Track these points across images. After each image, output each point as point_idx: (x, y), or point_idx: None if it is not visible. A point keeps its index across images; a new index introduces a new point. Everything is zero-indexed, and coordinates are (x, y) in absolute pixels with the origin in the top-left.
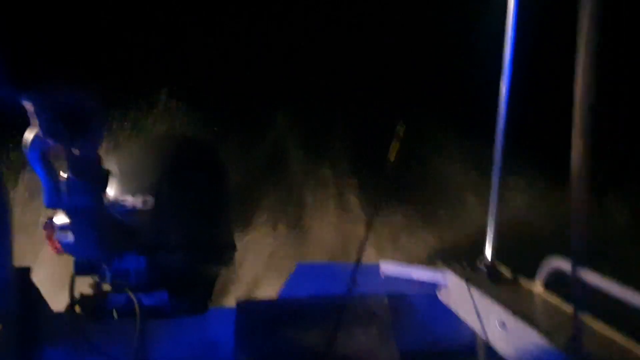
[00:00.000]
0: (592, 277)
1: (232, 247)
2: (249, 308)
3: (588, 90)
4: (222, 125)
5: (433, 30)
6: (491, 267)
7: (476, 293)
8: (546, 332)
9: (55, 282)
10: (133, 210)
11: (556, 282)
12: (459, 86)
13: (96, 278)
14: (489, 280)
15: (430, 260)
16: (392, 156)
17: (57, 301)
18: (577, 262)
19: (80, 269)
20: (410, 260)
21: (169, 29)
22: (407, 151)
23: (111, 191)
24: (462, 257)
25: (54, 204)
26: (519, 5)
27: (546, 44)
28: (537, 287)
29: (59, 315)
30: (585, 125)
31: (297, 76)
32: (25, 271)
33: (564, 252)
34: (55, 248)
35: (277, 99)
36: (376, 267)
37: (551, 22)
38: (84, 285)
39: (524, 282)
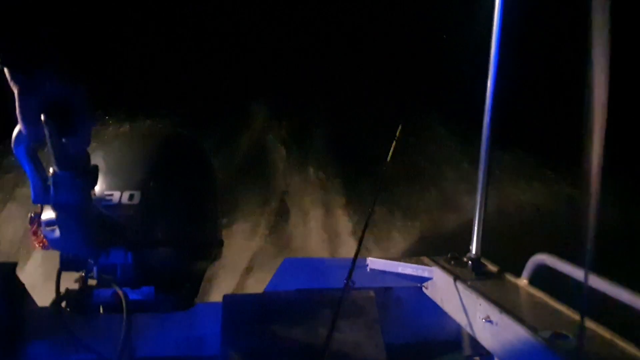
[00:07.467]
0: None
1: (219, 243)
2: (235, 303)
3: (604, 89)
4: (204, 121)
5: (418, 23)
6: (477, 262)
7: (462, 287)
8: (531, 327)
9: (41, 277)
10: (120, 206)
11: (541, 278)
12: (446, 80)
13: (82, 273)
14: (474, 275)
15: (416, 255)
16: (389, 156)
17: (43, 296)
18: (587, 266)
19: (67, 264)
20: (397, 254)
21: (147, 20)
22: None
23: (98, 186)
24: (448, 251)
25: (41, 200)
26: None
27: (533, 37)
28: (523, 282)
29: (44, 310)
30: (601, 124)
31: (278, 70)
32: (11, 267)
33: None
34: (41, 243)
35: (259, 94)
36: (363, 262)
37: (538, 15)
38: (70, 281)
39: (509, 277)
